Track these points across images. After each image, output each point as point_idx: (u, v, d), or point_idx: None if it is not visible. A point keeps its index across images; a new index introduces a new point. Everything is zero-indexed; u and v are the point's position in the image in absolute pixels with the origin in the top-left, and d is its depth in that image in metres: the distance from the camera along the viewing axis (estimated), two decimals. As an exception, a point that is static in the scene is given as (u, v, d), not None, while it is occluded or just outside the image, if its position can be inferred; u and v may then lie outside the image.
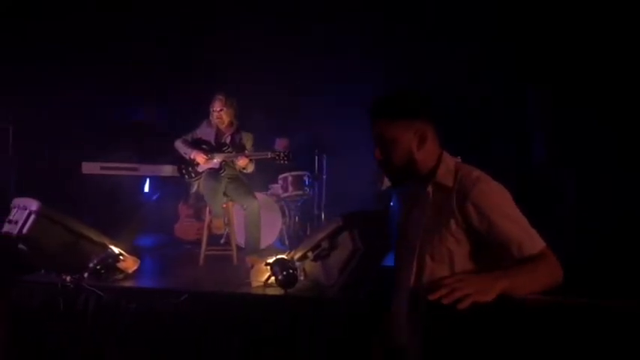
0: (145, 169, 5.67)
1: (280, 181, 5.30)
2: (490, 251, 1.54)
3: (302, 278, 3.09)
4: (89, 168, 5.41)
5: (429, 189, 1.61)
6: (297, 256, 3.21)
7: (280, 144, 5.56)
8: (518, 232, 1.49)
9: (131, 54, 5.63)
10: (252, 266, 3.84)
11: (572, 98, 4.27)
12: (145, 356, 3.04)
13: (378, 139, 1.64)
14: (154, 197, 5.92)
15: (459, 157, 4.10)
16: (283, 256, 3.19)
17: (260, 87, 5.22)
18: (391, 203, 1.93)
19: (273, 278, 3.07)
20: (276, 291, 3.03)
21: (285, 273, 3.00)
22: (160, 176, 5.71)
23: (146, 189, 5.98)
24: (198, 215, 5.27)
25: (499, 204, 1.51)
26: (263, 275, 3.19)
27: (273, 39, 5.59)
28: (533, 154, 4.57)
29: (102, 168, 5.48)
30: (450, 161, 1.65)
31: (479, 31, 4.67)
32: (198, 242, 5.16)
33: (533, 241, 1.49)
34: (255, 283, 3.19)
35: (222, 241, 5.04)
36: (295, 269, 3.05)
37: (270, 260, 3.14)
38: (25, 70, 4.99)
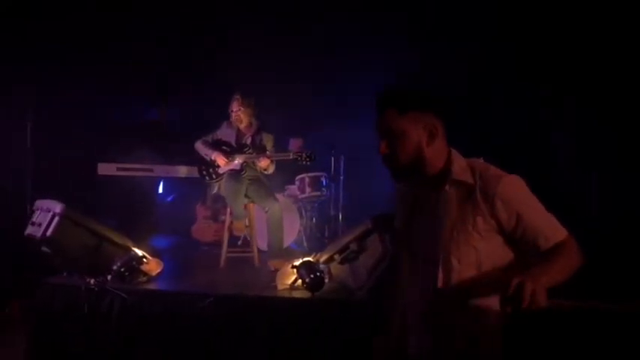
0: (160, 170, 5.65)
1: (297, 182, 5.26)
2: (514, 246, 1.51)
3: (327, 281, 3.05)
4: (105, 169, 5.39)
5: (448, 188, 1.52)
6: (323, 259, 3.17)
7: (294, 144, 5.52)
8: (545, 224, 1.48)
9: (145, 55, 5.62)
10: (275, 269, 3.82)
11: (594, 100, 4.23)
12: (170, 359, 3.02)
13: (385, 131, 1.54)
14: (169, 198, 5.90)
15: (481, 157, 4.09)
16: (309, 259, 3.16)
17: (275, 87, 5.19)
18: None
19: (299, 281, 3.04)
20: (303, 294, 3.00)
21: (312, 276, 2.96)
22: (175, 177, 5.69)
23: (160, 190, 5.97)
24: (215, 216, 5.24)
25: (525, 197, 1.49)
26: (289, 278, 3.16)
27: (287, 38, 5.57)
28: (554, 157, 4.53)
29: (118, 169, 5.46)
30: (461, 159, 1.57)
31: (494, 28, 4.61)
32: (215, 244, 5.15)
33: (557, 230, 1.49)
34: (281, 286, 3.15)
35: (239, 242, 5.01)
36: (322, 272, 3.02)
37: (297, 263, 3.11)
38: (43, 68, 4.98)
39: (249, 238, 4.89)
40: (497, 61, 4.65)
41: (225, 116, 4.28)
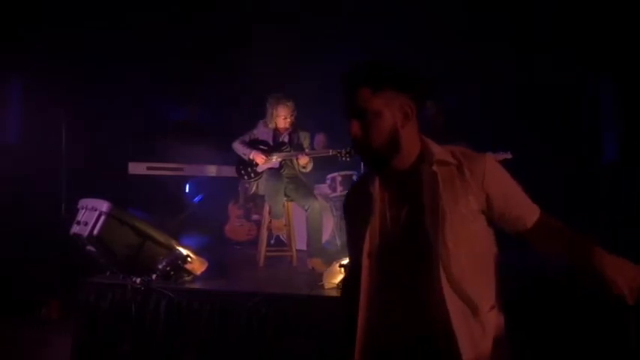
0: (190, 169, 5.66)
1: (328, 181, 5.23)
2: (495, 227, 1.46)
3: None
4: (135, 168, 5.40)
5: (435, 168, 1.39)
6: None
7: (318, 140, 5.48)
8: (528, 203, 1.45)
9: (174, 53, 5.63)
10: (314, 268, 3.80)
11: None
12: (220, 358, 3.01)
13: (357, 112, 1.39)
14: (198, 198, 5.90)
15: (509, 152, 4.01)
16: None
17: (300, 85, 5.16)
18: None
19: (348, 280, 3.01)
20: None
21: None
22: (205, 176, 5.69)
23: (186, 190, 5.97)
24: (248, 216, 5.23)
25: (508, 176, 1.45)
26: (336, 277, 3.13)
27: (314, 35, 5.54)
28: (603, 152, 4.45)
29: (148, 168, 5.47)
30: (435, 143, 1.46)
31: (548, 19, 4.49)
32: (248, 243, 5.15)
33: (535, 208, 1.46)
34: (328, 285, 3.13)
35: (272, 241, 4.99)
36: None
37: (344, 262, 3.08)
38: (77, 70, 5.01)
39: (282, 238, 4.89)
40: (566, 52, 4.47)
41: (259, 115, 4.27)
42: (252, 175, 4.13)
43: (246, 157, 4.12)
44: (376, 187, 1.46)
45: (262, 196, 4.32)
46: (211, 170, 5.64)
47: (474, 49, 4.58)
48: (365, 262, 1.43)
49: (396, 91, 1.38)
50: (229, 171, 4.90)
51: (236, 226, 5.29)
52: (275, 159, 4.07)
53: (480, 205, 1.38)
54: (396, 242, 1.41)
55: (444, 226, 1.34)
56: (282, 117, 4.13)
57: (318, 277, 3.28)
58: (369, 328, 1.43)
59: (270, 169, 4.08)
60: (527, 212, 1.44)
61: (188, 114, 6.10)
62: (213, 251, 4.89)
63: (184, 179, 5.82)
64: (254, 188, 4.21)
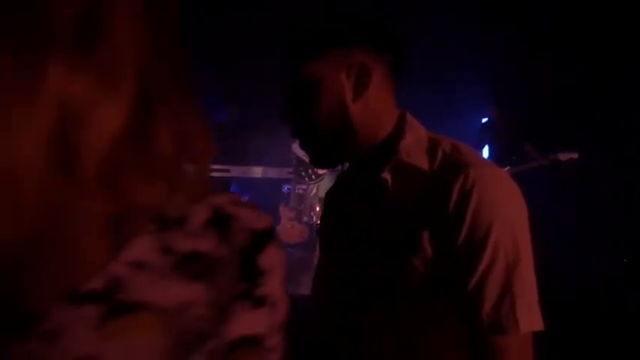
0: (236, 170, 5.63)
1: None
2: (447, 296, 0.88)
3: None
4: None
5: (386, 174, 0.90)
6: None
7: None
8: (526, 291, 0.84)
9: (215, 54, 5.61)
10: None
11: None
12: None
13: (291, 89, 0.95)
14: (245, 198, 5.88)
15: (576, 152, 3.94)
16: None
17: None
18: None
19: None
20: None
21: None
22: (251, 178, 5.67)
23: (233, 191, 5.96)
24: (300, 217, 5.20)
25: (520, 220, 0.86)
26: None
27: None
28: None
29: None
30: (419, 128, 0.96)
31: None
32: (301, 245, 5.11)
33: (533, 315, 0.84)
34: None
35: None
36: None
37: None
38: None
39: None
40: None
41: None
42: (314, 177, 4.11)
43: (307, 159, 4.09)
44: (343, 192, 1.08)
45: (312, 198, 4.29)
46: (257, 171, 5.62)
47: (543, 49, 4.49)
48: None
49: (343, 48, 0.91)
50: (275, 172, 4.88)
51: (287, 228, 5.25)
52: (338, 161, 4.04)
53: (438, 241, 0.86)
54: (344, 262, 1.00)
55: (381, 264, 0.92)
56: None
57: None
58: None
59: (331, 171, 4.05)
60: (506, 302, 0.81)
61: (230, 114, 6.07)
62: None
63: (230, 180, 5.81)
64: (314, 190, 4.18)
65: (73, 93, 0.39)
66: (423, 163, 0.90)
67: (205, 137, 0.49)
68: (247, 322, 0.45)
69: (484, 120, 4.61)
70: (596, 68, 4.27)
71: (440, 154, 0.90)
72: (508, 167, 3.89)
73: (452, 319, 0.87)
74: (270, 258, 0.47)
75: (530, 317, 0.81)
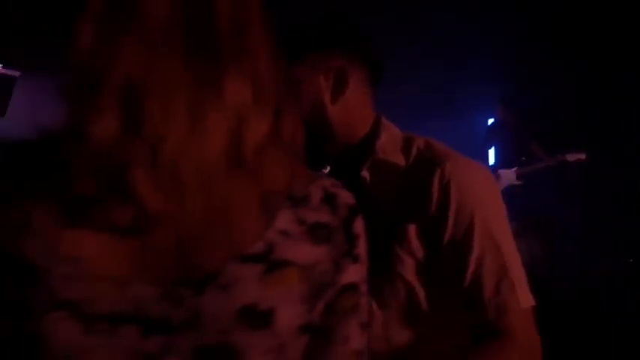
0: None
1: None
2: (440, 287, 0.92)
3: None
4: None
5: (365, 172, 0.96)
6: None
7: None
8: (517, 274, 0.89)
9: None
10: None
11: None
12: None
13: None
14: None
15: (584, 153, 3.90)
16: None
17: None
18: None
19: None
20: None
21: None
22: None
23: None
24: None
25: (497, 209, 0.93)
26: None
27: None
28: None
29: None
30: (393, 129, 1.02)
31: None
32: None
33: (525, 292, 0.90)
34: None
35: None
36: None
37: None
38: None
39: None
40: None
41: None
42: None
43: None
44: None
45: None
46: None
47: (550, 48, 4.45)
48: None
49: (320, 52, 0.98)
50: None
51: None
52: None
53: (422, 237, 0.91)
54: None
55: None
56: None
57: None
58: None
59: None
60: (487, 291, 0.87)
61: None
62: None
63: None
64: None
65: (243, 100, 0.51)
66: (399, 160, 0.97)
67: (300, 130, 0.60)
68: (350, 274, 0.57)
69: (490, 121, 4.58)
70: (597, 68, 4.27)
71: (414, 150, 0.97)
72: (516, 168, 3.86)
73: (441, 309, 0.91)
74: (360, 226, 0.60)
75: (527, 293, 0.88)
